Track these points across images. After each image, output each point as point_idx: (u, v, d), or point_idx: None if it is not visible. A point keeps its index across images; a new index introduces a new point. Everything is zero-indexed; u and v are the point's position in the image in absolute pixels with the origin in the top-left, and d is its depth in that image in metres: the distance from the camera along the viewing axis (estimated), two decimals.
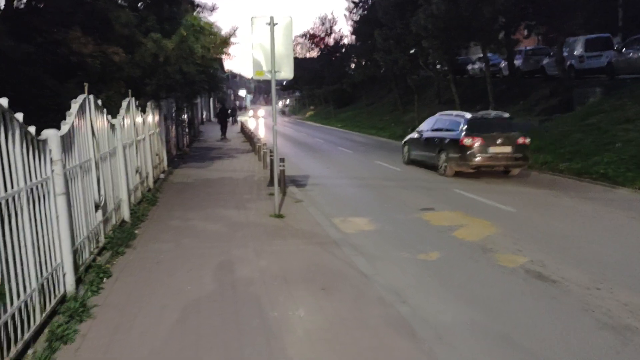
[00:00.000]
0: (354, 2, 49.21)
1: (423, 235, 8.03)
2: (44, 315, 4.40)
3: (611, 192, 11.34)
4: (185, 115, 24.25)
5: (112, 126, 7.90)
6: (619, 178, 12.02)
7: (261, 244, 7.33)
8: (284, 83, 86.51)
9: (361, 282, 5.74)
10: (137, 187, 9.84)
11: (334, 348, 4.22)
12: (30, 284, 4.17)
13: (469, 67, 35.59)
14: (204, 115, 49.80)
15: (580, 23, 23.22)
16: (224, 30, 13.25)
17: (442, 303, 5.35)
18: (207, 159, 18.95)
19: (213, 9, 14.15)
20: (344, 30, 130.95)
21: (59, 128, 5.38)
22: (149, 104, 12.13)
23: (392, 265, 6.56)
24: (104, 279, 5.79)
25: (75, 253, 5.47)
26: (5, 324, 3.68)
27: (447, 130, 14.54)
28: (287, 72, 9.09)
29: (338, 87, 54.81)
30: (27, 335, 4.02)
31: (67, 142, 5.40)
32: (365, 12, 46.17)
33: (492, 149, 13.27)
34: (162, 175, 13.56)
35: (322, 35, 59.16)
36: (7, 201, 3.81)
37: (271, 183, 12.84)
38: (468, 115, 14.15)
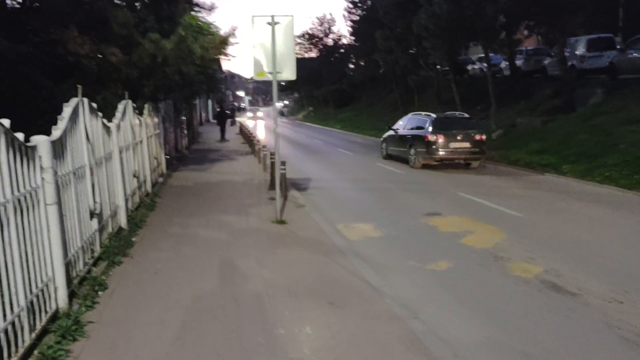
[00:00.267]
0: (352, 2, 48.99)
1: (431, 242, 7.75)
2: (33, 335, 4.10)
3: (619, 195, 11.07)
4: (184, 117, 23.94)
5: (108, 129, 7.61)
6: (625, 181, 11.76)
7: (264, 253, 7.05)
8: (282, 83, 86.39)
9: (370, 295, 5.46)
10: (135, 192, 9.54)
11: None
12: (18, 302, 3.88)
13: (469, 67, 35.36)
14: (203, 117, 49.44)
15: (580, 23, 23.01)
16: (223, 31, 12.94)
17: (456, 318, 5.07)
18: (207, 162, 18.66)
19: (212, 8, 13.89)
20: (343, 30, 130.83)
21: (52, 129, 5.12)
22: (146, 105, 11.83)
23: (401, 276, 6.27)
24: (99, 292, 5.50)
25: (68, 265, 5.17)
26: None
27: (417, 128, 16.69)
28: (289, 73, 8.80)
29: (337, 88, 54.59)
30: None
31: (58, 148, 5.11)
32: (365, 12, 45.97)
33: (453, 144, 15.47)
34: (160, 179, 13.26)
35: (321, 35, 58.93)
36: None
37: (272, 187, 12.57)
38: (433, 116, 16.58)
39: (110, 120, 7.94)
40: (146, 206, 9.89)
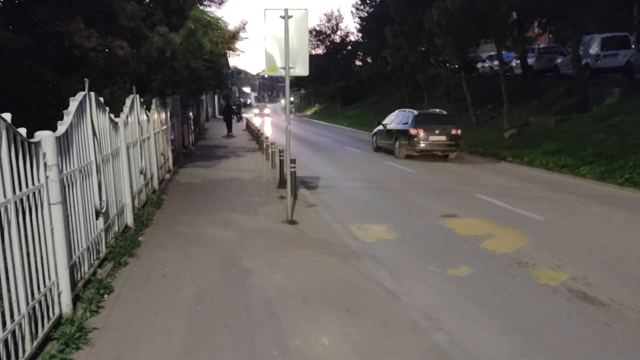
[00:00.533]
0: None
1: (449, 245, 7.45)
2: (35, 344, 3.84)
3: None
4: (191, 112, 23.69)
5: (115, 125, 7.35)
6: None
7: (275, 255, 6.77)
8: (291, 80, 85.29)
9: (389, 302, 5.17)
10: (142, 189, 9.29)
11: None
12: (19, 309, 3.62)
13: (479, 65, 34.94)
14: (209, 112, 49.22)
15: (593, 20, 22.57)
16: (231, 26, 12.61)
17: (483, 329, 4.77)
18: (214, 158, 18.40)
19: (221, 2, 13.57)
20: (350, 27, 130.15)
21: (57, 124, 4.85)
22: (154, 100, 11.58)
23: (421, 282, 5.98)
24: (105, 296, 5.24)
25: (73, 268, 4.91)
26: None
27: (402, 123, 18.61)
28: (301, 69, 8.51)
29: (345, 84, 54.20)
30: None
31: (64, 144, 4.85)
32: (373, 8, 45.54)
33: (432, 138, 17.47)
34: (167, 176, 13.02)
35: (328, 32, 58.54)
36: None
37: (281, 185, 12.32)
38: (416, 112, 18.85)
39: (117, 116, 7.68)
40: (153, 204, 9.64)
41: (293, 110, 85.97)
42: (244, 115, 48.85)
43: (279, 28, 8.29)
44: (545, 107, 22.94)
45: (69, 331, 4.19)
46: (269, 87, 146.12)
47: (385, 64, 42.06)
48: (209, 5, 13.31)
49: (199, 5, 13.22)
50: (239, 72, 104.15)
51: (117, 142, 7.43)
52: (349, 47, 57.15)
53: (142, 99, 9.67)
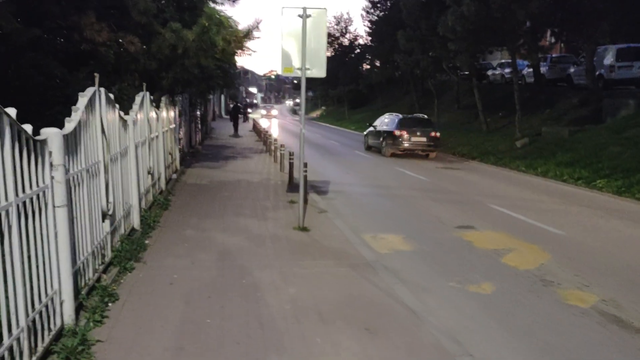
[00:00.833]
0: (372, 2, 48.31)
1: (468, 259, 7.13)
2: (34, 359, 3.54)
3: None
4: (198, 112, 23.44)
5: (125, 123, 7.06)
6: None
7: (288, 265, 6.46)
8: (295, 81, 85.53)
9: (411, 322, 4.85)
10: (149, 190, 9.00)
11: None
12: (17, 322, 3.32)
13: (490, 72, 34.59)
14: (215, 112, 49.01)
15: (606, 31, 22.23)
16: (242, 25, 12.33)
17: (514, 355, 4.44)
18: (221, 159, 18.13)
19: (235, 0, 13.27)
20: (359, 30, 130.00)
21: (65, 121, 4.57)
22: (163, 98, 11.30)
23: (442, 299, 5.66)
24: (109, 304, 4.94)
25: (77, 275, 4.62)
26: None
27: (389, 125, 21.18)
28: (318, 70, 8.22)
29: (353, 88, 53.92)
30: None
31: (71, 143, 4.55)
32: (384, 12, 45.26)
33: (414, 139, 20.02)
34: (174, 176, 12.73)
35: (337, 35, 58.22)
36: None
37: (290, 189, 12.03)
38: (400, 116, 21.52)
39: (126, 113, 7.40)
40: (160, 205, 9.35)
41: (299, 111, 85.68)
42: (250, 116, 48.57)
43: (297, 27, 8.01)
44: (558, 117, 22.62)
45: (70, 344, 3.88)
46: (275, 88, 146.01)
47: (395, 68, 41.82)
48: (222, 3, 13.03)
49: (211, 3, 12.95)
50: (246, 72, 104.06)
51: (126, 141, 7.14)
52: (358, 51, 56.88)
53: (151, 97, 9.39)
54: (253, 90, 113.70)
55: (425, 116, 22.63)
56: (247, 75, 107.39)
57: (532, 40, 21.12)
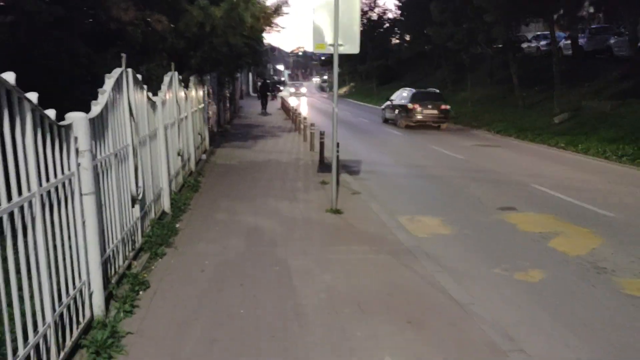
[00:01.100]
0: None
1: (513, 244, 6.75)
2: (62, 355, 3.38)
3: None
4: (227, 91, 23.24)
5: (153, 104, 6.85)
6: None
7: (322, 250, 6.20)
8: (322, 58, 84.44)
9: (457, 314, 4.55)
10: (179, 172, 8.83)
11: None
12: (43, 318, 3.14)
13: (524, 45, 33.34)
14: (243, 90, 48.84)
15: None
16: (270, 1, 11.94)
17: (571, 352, 4.10)
18: (250, 138, 17.93)
19: None
20: (388, 4, 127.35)
21: (91, 104, 4.35)
22: (192, 78, 11.06)
23: (488, 289, 5.33)
24: (140, 292, 4.77)
25: (106, 263, 4.45)
26: None
27: (403, 99, 23.17)
28: (351, 46, 7.84)
29: (382, 63, 52.89)
30: None
31: (98, 126, 4.34)
32: None
33: (425, 111, 21.75)
34: (203, 156, 12.58)
35: (366, 9, 56.96)
36: (11, 214, 2.75)
37: (321, 169, 11.75)
38: (414, 90, 23.35)
39: (154, 94, 7.18)
40: (190, 187, 9.19)
41: (327, 89, 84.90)
42: (279, 94, 48.18)
43: (329, 1, 7.61)
44: (598, 90, 21.62)
45: (100, 337, 3.72)
46: (302, 65, 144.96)
47: (426, 42, 40.70)
48: None
49: None
50: (273, 49, 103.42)
51: (155, 123, 6.94)
52: (387, 25, 55.61)
53: (180, 77, 9.16)
54: (280, 67, 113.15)
55: (437, 90, 24.19)
56: (274, 53, 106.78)
57: (572, 9, 20.11)
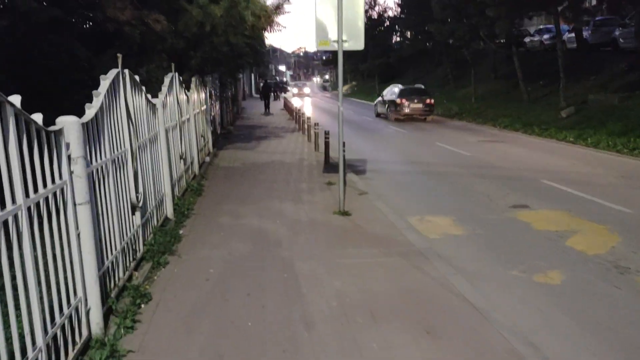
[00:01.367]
0: None
1: (528, 244, 6.49)
2: None
3: None
4: (230, 92, 23.02)
5: (153, 106, 6.62)
6: None
7: (330, 254, 5.97)
8: (324, 57, 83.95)
9: (474, 320, 4.30)
10: (182, 176, 8.61)
11: None
12: (33, 343, 2.91)
13: (527, 39, 32.95)
14: (245, 91, 48.65)
15: None
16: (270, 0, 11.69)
17: None
18: (253, 139, 17.71)
19: None
20: (388, 2, 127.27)
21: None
22: (193, 79, 10.84)
23: (506, 292, 5.08)
24: (142, 305, 4.54)
25: (104, 277, 4.22)
26: None
27: (392, 94, 25.13)
28: (356, 42, 7.60)
29: (383, 62, 52.58)
30: None
31: (93, 131, 4.11)
32: None
33: (412, 105, 23.85)
34: (207, 159, 12.36)
35: (366, 8, 56.62)
36: None
37: (327, 169, 11.52)
38: (401, 86, 25.40)
39: (155, 96, 6.96)
40: (193, 191, 8.97)
41: (329, 88, 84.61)
42: (282, 94, 48.00)
43: None
44: (604, 83, 21.26)
45: (99, 358, 3.50)
46: (304, 65, 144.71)
47: (427, 39, 40.38)
48: None
49: None
50: (274, 50, 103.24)
51: (155, 126, 6.72)
52: (387, 23, 55.28)
53: (180, 78, 8.94)
54: (282, 68, 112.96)
55: (422, 86, 26.52)
56: (275, 53, 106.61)
57: (576, 1, 19.78)
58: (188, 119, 9.63)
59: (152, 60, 9.78)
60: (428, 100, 23.95)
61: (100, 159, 4.26)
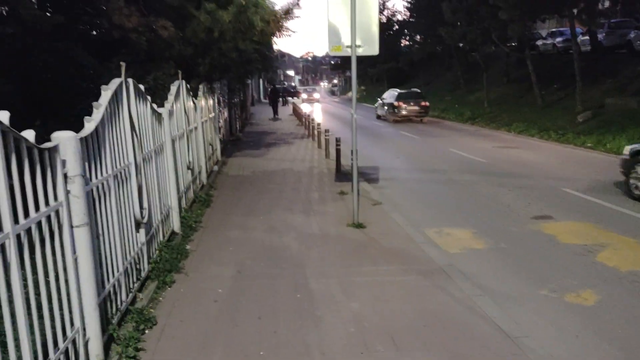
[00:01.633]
0: None
1: (556, 259, 6.12)
2: None
3: None
4: (237, 98, 22.78)
5: (159, 116, 6.34)
6: None
7: (346, 271, 5.64)
8: (332, 62, 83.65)
9: (506, 347, 3.95)
10: (189, 187, 8.32)
11: None
12: None
13: (539, 42, 32.49)
14: (254, 96, 48.51)
15: None
16: (277, 6, 11.45)
17: None
18: (262, 146, 17.43)
19: None
20: (397, 6, 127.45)
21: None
22: (201, 86, 10.58)
23: (538, 315, 4.71)
24: (146, 331, 4.24)
25: (105, 302, 3.91)
26: None
27: (391, 98, 27.44)
28: (371, 48, 7.30)
29: (392, 66, 52.26)
30: None
31: (93, 146, 3.82)
32: None
33: (409, 108, 26.11)
34: (215, 167, 12.08)
35: None
36: None
37: (338, 178, 11.20)
38: (399, 90, 28.08)
39: (162, 104, 6.68)
40: (201, 202, 8.68)
41: (338, 93, 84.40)
42: (290, 99, 47.89)
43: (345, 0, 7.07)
44: (621, 87, 20.78)
45: None
46: (312, 70, 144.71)
47: (437, 43, 40.03)
48: None
49: None
50: (282, 55, 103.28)
51: (161, 136, 6.43)
52: (396, 27, 54.98)
53: (188, 85, 8.67)
54: (290, 73, 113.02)
55: (418, 90, 29.18)
56: (284, 58, 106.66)
57: (592, 3, 19.36)
58: (196, 127, 9.35)
59: (160, 68, 9.52)
60: (423, 103, 26.27)
61: (101, 175, 3.97)
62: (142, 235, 5.10)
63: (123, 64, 4.72)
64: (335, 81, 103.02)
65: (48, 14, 7.39)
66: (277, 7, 11.86)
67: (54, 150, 3.13)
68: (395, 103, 26.32)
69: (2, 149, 2.48)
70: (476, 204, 8.99)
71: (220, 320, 4.50)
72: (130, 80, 4.90)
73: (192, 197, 8.51)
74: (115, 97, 4.48)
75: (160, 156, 6.27)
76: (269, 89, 40.30)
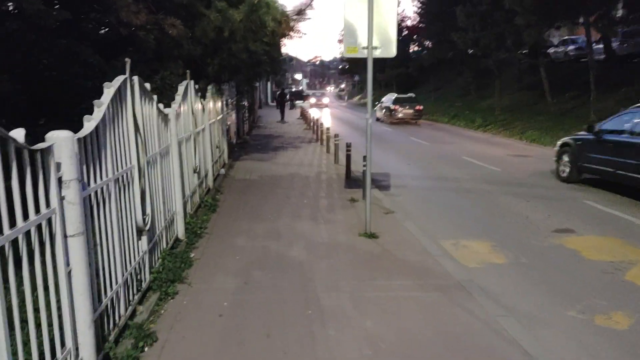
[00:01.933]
0: None
1: (582, 277, 5.77)
2: None
3: None
4: (246, 101, 22.53)
5: (165, 117, 6.05)
6: None
7: (359, 286, 5.31)
8: (340, 67, 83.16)
9: None
10: (195, 191, 8.03)
11: None
12: None
13: (551, 50, 32.10)
14: (262, 99, 48.31)
15: None
16: (288, 8, 11.16)
17: None
18: (270, 149, 17.14)
19: None
20: (407, 11, 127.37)
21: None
22: (209, 87, 10.30)
23: (565, 338, 4.37)
24: (145, 348, 3.93)
25: (102, 317, 3.61)
26: None
27: (389, 101, 29.94)
28: (387, 49, 7.00)
29: (402, 71, 51.94)
30: None
31: (92, 147, 3.53)
32: None
33: (404, 111, 28.81)
34: (222, 171, 11.79)
35: None
36: None
37: (348, 184, 10.89)
38: (395, 95, 30.76)
39: (169, 105, 6.40)
40: (207, 207, 8.39)
41: (345, 97, 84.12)
42: (298, 103, 47.72)
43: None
44: (636, 96, 20.31)
45: None
46: (319, 74, 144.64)
47: (448, 49, 39.69)
48: None
49: None
50: (290, 58, 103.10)
51: (167, 138, 6.14)
52: (406, 32, 54.70)
53: (196, 86, 8.39)
54: (298, 76, 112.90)
55: (413, 95, 31.65)
56: (292, 62, 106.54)
57: (609, 10, 18.99)
58: (203, 129, 9.07)
59: (167, 67, 9.24)
60: (417, 107, 29.06)
61: (101, 179, 3.67)
62: (144, 244, 4.80)
63: (128, 61, 4.44)
64: (343, 86, 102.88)
65: (54, 10, 7.10)
66: (288, 8, 11.62)
67: (47, 151, 2.84)
68: (392, 106, 28.95)
69: None
70: (493, 214, 8.64)
71: (225, 336, 4.19)
72: (135, 78, 4.62)
73: (197, 201, 8.22)
74: (119, 96, 4.20)
75: (165, 159, 5.98)
76: (277, 92, 40.15)
